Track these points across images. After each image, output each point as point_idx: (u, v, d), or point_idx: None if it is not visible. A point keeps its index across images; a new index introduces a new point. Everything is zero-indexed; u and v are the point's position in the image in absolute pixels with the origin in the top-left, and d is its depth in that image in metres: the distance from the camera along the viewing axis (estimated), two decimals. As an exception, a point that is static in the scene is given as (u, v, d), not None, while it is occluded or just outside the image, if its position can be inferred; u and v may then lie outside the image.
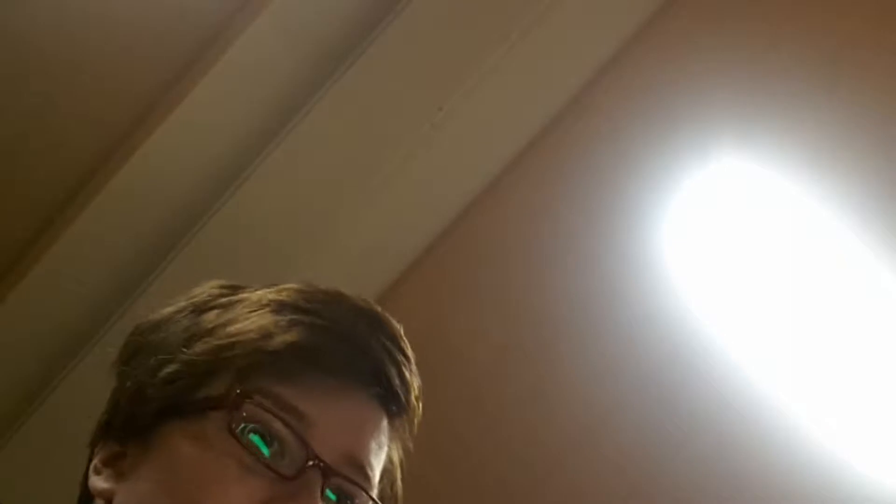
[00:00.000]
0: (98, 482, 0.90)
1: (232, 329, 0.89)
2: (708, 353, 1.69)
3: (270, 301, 0.91)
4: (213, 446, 0.85)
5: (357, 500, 0.88)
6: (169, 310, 0.95)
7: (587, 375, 1.73)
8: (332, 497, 0.87)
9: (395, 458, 0.95)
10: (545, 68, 1.71)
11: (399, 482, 0.96)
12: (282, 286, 0.94)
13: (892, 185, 1.61)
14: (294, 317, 0.89)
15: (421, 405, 0.95)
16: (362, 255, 1.77)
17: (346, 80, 1.66)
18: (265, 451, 0.85)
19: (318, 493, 0.84)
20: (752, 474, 1.68)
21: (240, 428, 0.85)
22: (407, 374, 0.92)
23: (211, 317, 0.92)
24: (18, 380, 1.78)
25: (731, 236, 1.68)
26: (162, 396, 0.88)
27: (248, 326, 0.89)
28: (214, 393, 0.87)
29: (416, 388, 0.93)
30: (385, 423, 0.92)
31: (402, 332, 0.93)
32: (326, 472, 0.85)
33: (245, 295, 0.94)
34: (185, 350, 0.89)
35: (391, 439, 0.93)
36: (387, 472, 0.93)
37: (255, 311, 0.91)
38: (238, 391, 0.86)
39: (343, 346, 0.89)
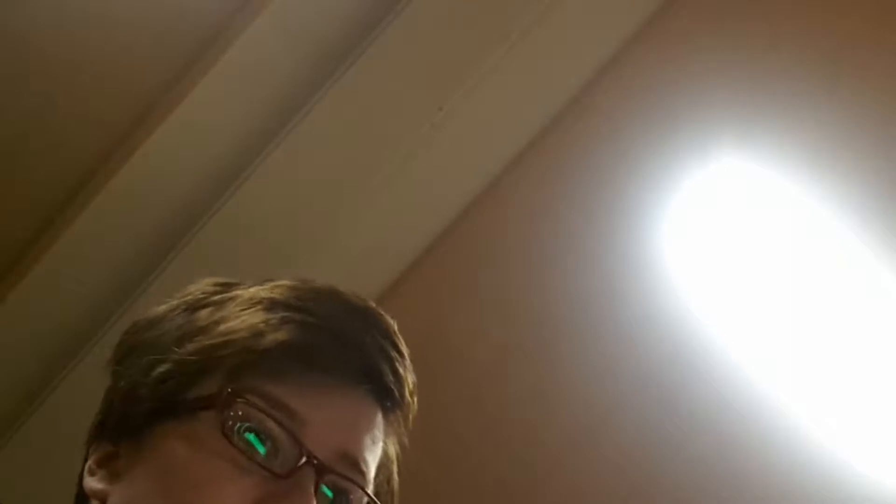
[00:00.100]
0: (92, 483, 0.90)
1: (223, 328, 0.89)
2: (708, 353, 1.69)
3: (262, 299, 0.91)
4: (205, 446, 0.85)
5: (353, 496, 0.88)
6: (163, 308, 0.95)
7: (587, 375, 1.73)
8: (329, 494, 0.87)
9: (391, 453, 0.95)
10: (545, 68, 1.71)
11: (396, 477, 0.96)
12: (275, 283, 0.94)
13: (892, 185, 1.61)
14: (285, 314, 0.89)
15: (416, 400, 0.95)
16: (362, 255, 1.77)
17: (346, 80, 1.66)
18: (258, 449, 0.84)
19: (312, 491, 0.84)
20: (752, 474, 1.68)
21: (232, 427, 0.84)
22: (400, 369, 0.92)
23: (204, 315, 0.92)
24: (18, 380, 1.78)
25: (731, 236, 1.67)
26: (154, 396, 0.88)
27: (239, 325, 0.89)
28: (206, 392, 0.87)
29: (410, 383, 0.93)
30: (379, 418, 0.92)
31: (395, 328, 0.93)
32: (320, 470, 0.85)
33: (238, 292, 0.94)
34: (176, 349, 0.89)
35: (386, 435, 0.93)
36: (383, 468, 0.93)
37: (246, 309, 0.91)
38: (229, 390, 0.85)
39: (335, 342, 0.89)
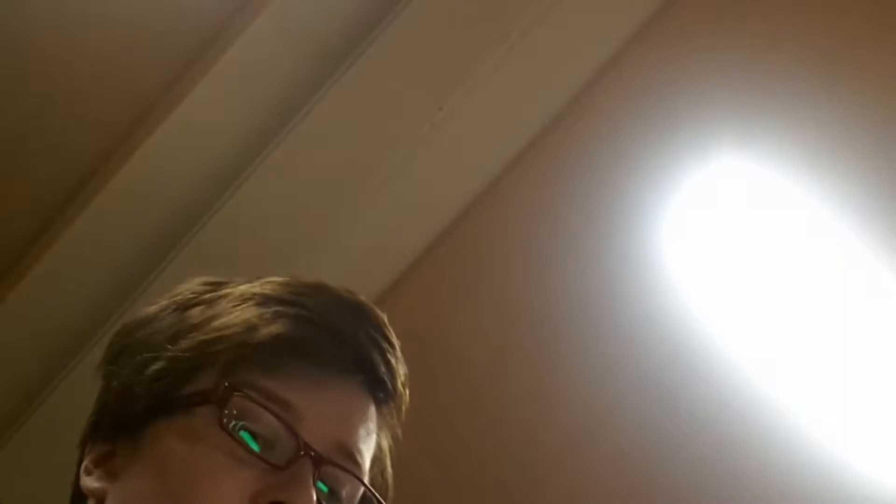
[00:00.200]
0: (90, 482, 0.90)
1: (217, 324, 0.89)
2: (708, 353, 1.69)
3: (254, 294, 0.92)
4: (202, 441, 0.85)
5: (349, 488, 0.89)
6: (153, 308, 0.95)
7: (587, 375, 1.73)
8: (324, 489, 0.87)
9: (385, 446, 0.96)
10: (545, 68, 1.71)
11: (389, 469, 0.96)
12: (265, 280, 0.95)
13: (892, 185, 1.61)
14: (278, 309, 0.90)
15: (408, 392, 0.95)
16: (362, 255, 1.77)
17: (346, 80, 1.66)
18: (255, 443, 0.85)
19: (311, 482, 0.84)
20: (752, 474, 1.68)
21: (229, 421, 0.85)
22: (392, 360, 0.93)
23: (195, 313, 0.92)
24: (18, 380, 1.78)
25: (731, 236, 1.67)
26: (149, 394, 0.88)
27: (232, 320, 0.89)
28: (201, 388, 0.87)
29: (401, 374, 0.94)
30: (373, 410, 0.93)
31: (386, 321, 0.94)
32: (318, 461, 0.85)
33: (229, 290, 0.94)
34: (170, 347, 0.89)
35: (379, 427, 0.94)
36: (377, 460, 0.94)
37: (239, 305, 0.91)
38: (226, 384, 0.86)
39: (328, 335, 0.89)
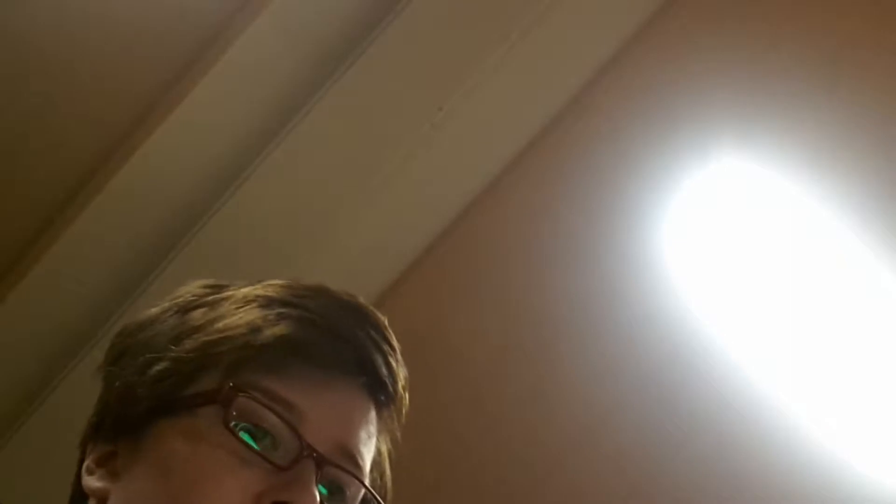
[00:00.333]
0: (92, 482, 0.91)
1: (220, 325, 0.90)
2: (708, 353, 1.69)
3: (257, 297, 0.92)
4: (206, 441, 0.85)
5: (350, 490, 0.89)
6: (154, 311, 0.96)
7: (587, 375, 1.73)
8: (325, 492, 0.87)
9: (384, 450, 0.96)
10: (545, 68, 1.71)
11: (388, 473, 0.96)
12: (267, 282, 0.95)
13: (892, 185, 1.61)
14: (282, 311, 0.90)
15: (407, 395, 0.96)
16: (362, 255, 1.77)
17: (346, 80, 1.66)
18: (258, 443, 0.85)
19: (314, 483, 0.84)
20: (752, 474, 1.68)
21: (233, 422, 0.85)
22: (393, 363, 0.93)
23: (198, 315, 0.92)
24: (18, 380, 1.78)
25: (731, 236, 1.67)
26: (152, 395, 0.88)
27: (236, 322, 0.90)
28: (205, 388, 0.87)
29: (402, 377, 0.95)
30: (373, 413, 0.93)
31: (386, 323, 0.94)
32: (320, 462, 0.86)
33: (230, 293, 0.94)
34: (173, 348, 0.89)
35: (380, 430, 0.94)
36: (376, 464, 0.94)
37: (242, 306, 0.91)
38: (230, 385, 0.86)
39: (330, 337, 0.90)
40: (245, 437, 0.85)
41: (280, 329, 0.88)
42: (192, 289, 0.97)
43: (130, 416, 0.89)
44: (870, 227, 1.61)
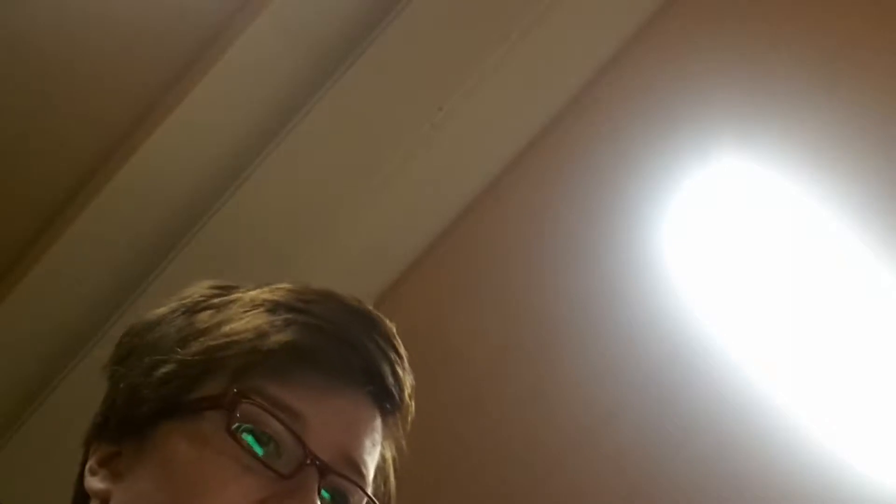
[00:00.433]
0: (94, 482, 0.90)
1: (227, 329, 0.89)
2: (708, 353, 1.69)
3: (264, 301, 0.91)
4: (209, 446, 0.85)
5: (353, 498, 0.89)
6: (162, 310, 0.95)
7: (587, 375, 1.73)
8: (327, 496, 0.87)
9: (388, 456, 0.95)
10: (545, 68, 1.71)
11: (392, 479, 0.96)
12: (275, 286, 0.94)
13: (892, 185, 1.61)
14: (289, 316, 0.89)
15: (414, 403, 0.95)
16: (362, 255, 1.77)
17: (346, 80, 1.66)
18: (261, 450, 0.85)
19: (316, 491, 0.84)
20: (752, 474, 1.69)
21: (237, 427, 0.85)
22: (400, 371, 0.92)
23: (205, 317, 0.91)
24: (18, 380, 1.78)
25: (731, 236, 1.68)
26: (157, 397, 0.88)
27: (242, 326, 0.89)
28: (210, 393, 0.87)
29: (409, 385, 0.94)
30: (379, 421, 0.92)
31: (394, 331, 0.93)
32: (323, 471, 0.85)
33: (238, 295, 0.94)
34: (179, 350, 0.89)
35: (384, 437, 0.93)
36: (380, 470, 0.93)
37: (249, 310, 0.90)
38: (235, 391, 0.85)
39: (337, 344, 0.89)
40: (249, 439, 0.85)
41: (286, 335, 0.88)
42: (199, 289, 0.96)
43: (135, 418, 0.89)
44: (870, 227, 1.61)
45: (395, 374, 0.92)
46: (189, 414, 0.87)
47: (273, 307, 0.90)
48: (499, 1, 1.65)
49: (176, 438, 0.86)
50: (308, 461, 0.84)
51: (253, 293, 0.93)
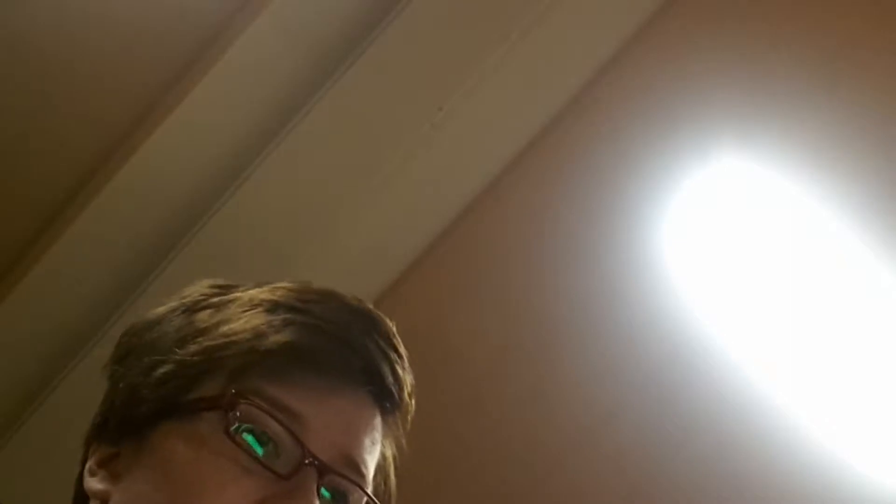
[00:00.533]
0: (93, 483, 0.90)
1: (225, 329, 0.89)
2: (708, 353, 1.69)
3: (263, 301, 0.91)
4: (208, 446, 0.85)
5: (352, 498, 0.89)
6: (161, 310, 0.95)
7: (587, 375, 1.73)
8: (327, 495, 0.87)
9: (388, 455, 0.95)
10: (545, 68, 1.71)
11: (392, 478, 0.96)
12: (274, 285, 0.94)
13: (892, 185, 1.61)
14: (287, 316, 0.89)
15: (414, 402, 0.95)
16: (362, 255, 1.77)
17: (346, 80, 1.66)
18: (260, 450, 0.85)
19: (315, 492, 0.84)
20: (752, 474, 1.69)
21: (235, 428, 0.85)
22: (400, 371, 0.92)
23: (203, 317, 0.91)
24: (18, 380, 1.78)
25: (731, 236, 1.68)
26: (155, 397, 0.88)
27: (241, 326, 0.89)
28: (209, 393, 0.87)
29: (409, 384, 0.94)
30: (378, 420, 0.92)
31: (394, 330, 0.93)
32: (322, 471, 0.85)
33: (237, 294, 0.93)
34: (178, 350, 0.89)
35: (384, 436, 0.93)
36: (380, 469, 0.93)
37: (247, 310, 0.90)
38: (233, 391, 0.85)
39: (336, 344, 0.89)
40: (250, 442, 0.85)
41: (285, 335, 0.87)
42: (199, 288, 0.96)
43: (134, 418, 0.89)
44: (870, 227, 1.61)
45: (394, 373, 0.91)
46: (187, 414, 0.87)
47: (272, 307, 0.90)
48: (499, 1, 1.65)
49: (174, 439, 0.86)
50: (307, 461, 0.84)
51: (252, 293, 0.93)
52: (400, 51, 1.66)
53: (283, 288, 0.93)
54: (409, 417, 0.95)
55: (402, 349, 0.93)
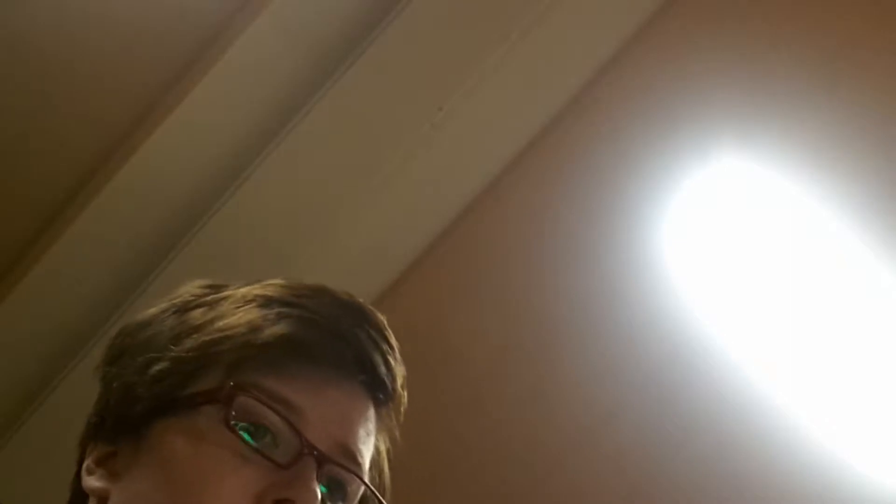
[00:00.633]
0: (92, 481, 0.91)
1: (220, 324, 0.90)
2: (708, 353, 1.69)
3: (256, 296, 0.93)
4: (207, 440, 0.85)
5: (350, 487, 0.90)
6: (153, 311, 0.96)
7: (587, 375, 1.73)
8: (324, 489, 0.87)
9: (382, 448, 0.97)
10: (545, 68, 1.71)
11: (387, 471, 0.97)
12: (266, 282, 0.96)
13: (892, 185, 1.61)
14: (281, 310, 0.91)
15: (406, 394, 0.96)
16: (362, 255, 1.77)
17: (346, 80, 1.66)
18: (259, 442, 0.85)
19: (314, 480, 0.85)
20: (752, 474, 1.69)
21: (234, 421, 0.85)
22: (392, 362, 0.94)
23: (197, 314, 0.92)
24: (18, 380, 1.78)
25: (731, 236, 1.68)
26: (151, 395, 0.89)
27: (236, 321, 0.90)
28: (205, 388, 0.87)
29: (400, 376, 0.95)
30: (372, 411, 0.94)
31: (385, 323, 0.95)
32: (321, 460, 0.86)
33: (229, 292, 0.95)
34: (173, 347, 0.90)
35: (378, 429, 0.95)
36: (374, 463, 0.94)
37: (241, 306, 0.92)
38: (231, 384, 0.86)
39: (330, 337, 0.90)
40: (245, 435, 0.85)
41: (280, 328, 0.89)
42: (190, 289, 0.97)
43: (130, 416, 0.89)
44: (870, 227, 1.61)
45: (387, 364, 0.93)
46: (184, 410, 0.87)
47: (266, 302, 0.92)
48: (499, 1, 1.65)
49: (172, 435, 0.87)
50: (305, 451, 0.85)
51: (244, 290, 0.94)
52: (400, 51, 1.66)
53: (276, 284, 0.95)
54: (401, 409, 0.97)
55: (393, 341, 0.94)
